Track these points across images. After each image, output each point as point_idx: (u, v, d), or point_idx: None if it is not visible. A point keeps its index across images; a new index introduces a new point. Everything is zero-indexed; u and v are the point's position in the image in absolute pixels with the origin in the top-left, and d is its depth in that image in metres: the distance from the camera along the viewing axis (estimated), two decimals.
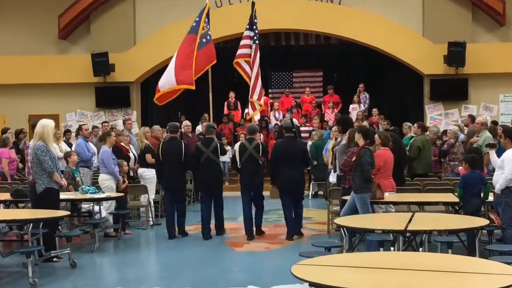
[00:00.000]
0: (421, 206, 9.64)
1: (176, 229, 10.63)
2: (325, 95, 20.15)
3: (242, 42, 13.11)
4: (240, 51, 13.03)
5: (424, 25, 17.51)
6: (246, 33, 13.05)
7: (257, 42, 12.94)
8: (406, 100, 20.24)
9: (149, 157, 11.74)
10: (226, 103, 19.46)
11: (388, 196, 8.88)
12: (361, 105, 18.50)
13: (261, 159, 10.42)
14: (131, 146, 12.16)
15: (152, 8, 18.39)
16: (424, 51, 17.17)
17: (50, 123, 8.56)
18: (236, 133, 18.03)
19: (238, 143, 11.55)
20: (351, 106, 18.56)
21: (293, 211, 10.30)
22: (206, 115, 18.16)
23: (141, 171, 11.82)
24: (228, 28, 17.33)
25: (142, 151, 11.88)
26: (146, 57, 17.92)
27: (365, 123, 14.09)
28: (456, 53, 16.68)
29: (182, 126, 14.75)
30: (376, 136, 9.45)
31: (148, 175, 11.77)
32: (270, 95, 21.47)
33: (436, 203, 9.20)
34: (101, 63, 17.58)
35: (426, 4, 17.50)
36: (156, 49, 17.80)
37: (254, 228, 10.51)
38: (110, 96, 18.08)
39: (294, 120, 17.21)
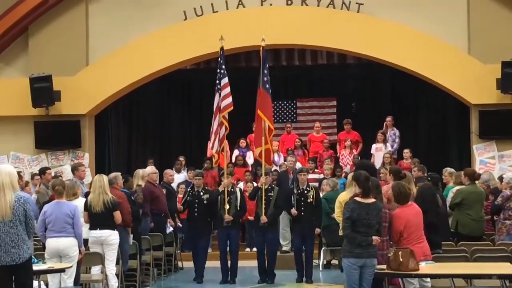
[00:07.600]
0: (469, 279, 9.73)
1: None
2: (340, 132, 20.37)
3: (223, 92, 14.96)
4: (223, 103, 14.96)
5: (470, 40, 17.53)
6: (224, 81, 14.97)
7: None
8: (448, 139, 20.46)
9: (118, 216, 12.08)
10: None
11: (424, 266, 8.90)
12: (388, 144, 18.75)
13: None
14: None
15: (111, 18, 18.32)
16: (471, 73, 17.25)
17: (12, 169, 8.43)
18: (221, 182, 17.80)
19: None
20: (374, 146, 18.79)
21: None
22: (182, 158, 18.96)
23: (106, 234, 12.04)
24: (205, 44, 17.53)
25: (107, 207, 11.99)
26: (103, 82, 17.95)
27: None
28: None
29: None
30: (386, 188, 9.86)
31: (115, 240, 12.11)
32: None
33: (489, 276, 9.24)
34: (42, 90, 17.54)
35: (472, 12, 17.49)
36: (116, 71, 17.91)
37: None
38: (54, 134, 18.04)
39: (298, 164, 17.41)
